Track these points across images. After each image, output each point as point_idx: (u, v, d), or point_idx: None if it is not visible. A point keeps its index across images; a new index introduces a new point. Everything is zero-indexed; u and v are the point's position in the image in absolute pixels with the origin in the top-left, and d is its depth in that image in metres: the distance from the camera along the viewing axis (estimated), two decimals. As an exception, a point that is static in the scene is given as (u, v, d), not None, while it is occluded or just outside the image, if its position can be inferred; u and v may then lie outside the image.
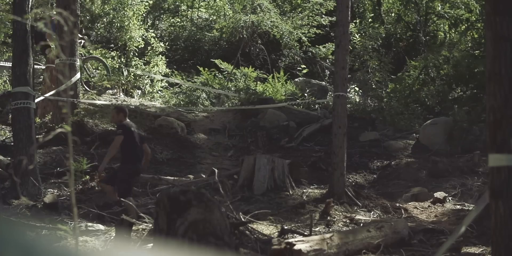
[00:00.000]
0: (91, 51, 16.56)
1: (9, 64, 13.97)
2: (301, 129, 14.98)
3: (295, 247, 7.10)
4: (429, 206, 10.41)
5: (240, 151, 13.99)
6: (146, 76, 17.51)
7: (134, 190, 10.34)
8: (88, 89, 15.59)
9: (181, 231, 6.18)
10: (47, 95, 12.64)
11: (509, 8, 4.19)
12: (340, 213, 9.55)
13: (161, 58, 18.00)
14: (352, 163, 12.81)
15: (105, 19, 19.30)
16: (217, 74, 18.34)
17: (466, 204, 10.59)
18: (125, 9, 18.30)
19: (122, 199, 8.86)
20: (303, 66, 19.23)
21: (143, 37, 18.18)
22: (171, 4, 22.59)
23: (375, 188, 12.07)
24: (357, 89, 17.87)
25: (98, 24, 19.63)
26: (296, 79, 18.68)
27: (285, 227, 8.36)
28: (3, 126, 13.34)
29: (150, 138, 12.86)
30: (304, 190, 10.68)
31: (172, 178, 11.25)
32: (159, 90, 17.78)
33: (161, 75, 17.84)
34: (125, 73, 17.02)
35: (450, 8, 19.78)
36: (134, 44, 17.90)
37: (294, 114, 15.94)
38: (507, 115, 4.15)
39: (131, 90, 17.00)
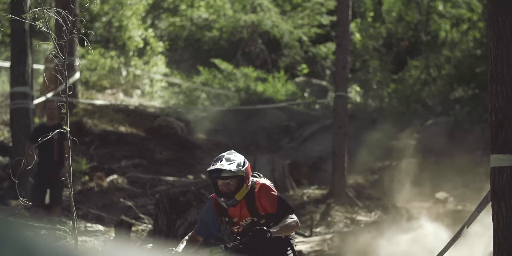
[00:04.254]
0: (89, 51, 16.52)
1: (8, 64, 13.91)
2: (302, 129, 14.93)
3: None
4: (430, 206, 10.37)
5: (240, 151, 13.92)
6: (146, 76, 17.47)
7: (133, 190, 10.30)
8: None
9: (181, 232, 6.13)
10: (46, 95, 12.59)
11: (511, 8, 4.15)
12: (341, 214, 9.51)
13: (161, 57, 17.95)
14: (352, 163, 12.77)
15: (104, 19, 19.25)
16: (217, 74, 18.30)
17: (467, 204, 10.55)
18: (123, 8, 18.25)
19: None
20: (303, 66, 19.19)
21: (142, 36, 18.13)
22: (170, 3, 22.54)
23: (376, 188, 12.03)
24: (358, 89, 17.82)
25: (97, 24, 19.58)
26: (296, 79, 18.63)
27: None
28: (1, 127, 13.30)
29: (149, 139, 12.82)
30: (305, 191, 10.65)
31: (172, 178, 11.20)
32: (159, 90, 17.73)
33: (161, 75, 17.79)
34: (124, 73, 16.98)
35: (451, 8, 19.72)
36: (133, 44, 17.86)
37: (295, 114, 15.89)
38: (509, 115, 4.11)
39: (131, 90, 16.96)
